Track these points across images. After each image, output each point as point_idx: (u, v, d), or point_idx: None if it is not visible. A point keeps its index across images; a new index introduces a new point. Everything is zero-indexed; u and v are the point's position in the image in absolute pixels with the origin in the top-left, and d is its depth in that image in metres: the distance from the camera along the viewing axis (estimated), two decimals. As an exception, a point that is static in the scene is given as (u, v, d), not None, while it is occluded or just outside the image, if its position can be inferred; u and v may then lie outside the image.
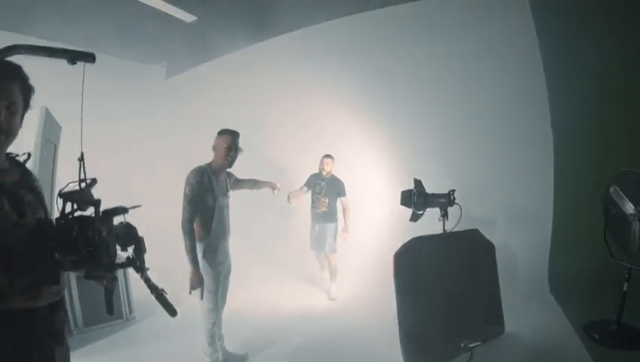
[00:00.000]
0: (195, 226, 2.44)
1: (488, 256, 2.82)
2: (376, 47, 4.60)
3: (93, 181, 1.14)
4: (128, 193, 5.31)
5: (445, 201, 2.54)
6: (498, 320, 2.90)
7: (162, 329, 3.32)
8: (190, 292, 2.38)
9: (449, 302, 2.50)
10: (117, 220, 1.23)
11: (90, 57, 1.27)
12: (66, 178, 1.24)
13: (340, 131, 4.94)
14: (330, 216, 4.31)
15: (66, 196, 1.08)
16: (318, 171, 4.35)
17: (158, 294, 1.27)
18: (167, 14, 4.48)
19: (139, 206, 1.25)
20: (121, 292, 3.37)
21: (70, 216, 1.06)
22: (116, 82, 5.48)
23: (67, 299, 3.11)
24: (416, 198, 2.61)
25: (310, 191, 4.38)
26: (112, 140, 5.34)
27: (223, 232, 2.58)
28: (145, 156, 5.74)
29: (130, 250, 1.26)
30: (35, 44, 1.35)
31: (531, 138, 3.89)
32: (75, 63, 1.29)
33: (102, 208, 1.15)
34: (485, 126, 4.03)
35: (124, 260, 1.23)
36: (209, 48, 5.42)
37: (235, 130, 2.68)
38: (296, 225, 4.87)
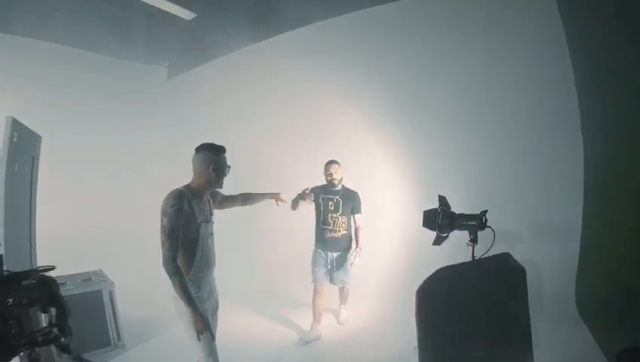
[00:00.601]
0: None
1: (519, 282, 2.48)
2: (386, 45, 4.29)
3: None
4: (130, 197, 5.31)
5: (476, 224, 2.20)
6: (527, 351, 2.58)
7: (153, 356, 3.10)
8: (199, 339, 2.00)
9: (476, 336, 2.17)
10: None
11: None
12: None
13: (349, 135, 4.63)
14: (349, 240, 3.56)
15: None
16: (325, 183, 3.57)
17: None
18: (166, 14, 4.27)
19: (51, 268, 1.04)
20: (108, 317, 3.05)
21: None
22: (117, 83, 5.45)
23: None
24: (441, 219, 2.27)
25: (317, 209, 3.58)
26: (113, 143, 5.27)
27: (207, 265, 2.19)
28: (146, 159, 5.56)
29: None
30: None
31: (559, 145, 3.57)
32: None
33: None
34: (508, 131, 3.71)
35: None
36: (210, 47, 5.22)
37: (220, 145, 2.24)
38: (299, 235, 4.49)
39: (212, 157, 2.15)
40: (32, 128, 3.16)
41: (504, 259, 2.42)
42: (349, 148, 4.48)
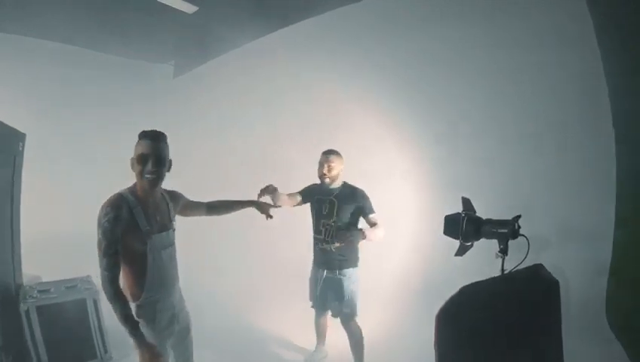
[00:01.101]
0: (123, 280, 1.72)
1: (553, 298, 2.17)
2: (405, 33, 3.96)
3: None
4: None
5: (507, 232, 1.88)
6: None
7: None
8: None
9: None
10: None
11: None
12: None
13: (362, 131, 4.34)
14: (349, 255, 2.75)
15: None
16: (320, 181, 2.85)
17: None
18: (168, 10, 4.12)
19: None
20: (92, 327, 2.80)
21: None
22: (122, 83, 5.44)
23: (30, 342, 2.63)
24: (465, 225, 1.96)
25: (311, 213, 2.89)
26: (120, 143, 5.11)
27: (164, 285, 1.80)
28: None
29: None
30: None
31: (589, 140, 3.24)
32: None
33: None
34: (533, 127, 3.39)
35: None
36: (216, 42, 5.07)
37: (160, 130, 1.83)
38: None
39: (141, 146, 1.75)
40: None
41: (537, 271, 2.11)
42: (361, 145, 4.21)
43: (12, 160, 2.83)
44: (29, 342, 2.64)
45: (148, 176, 1.74)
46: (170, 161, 1.86)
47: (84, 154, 5.00)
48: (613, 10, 3.03)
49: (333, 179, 2.79)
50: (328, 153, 2.83)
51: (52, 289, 2.81)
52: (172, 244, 1.87)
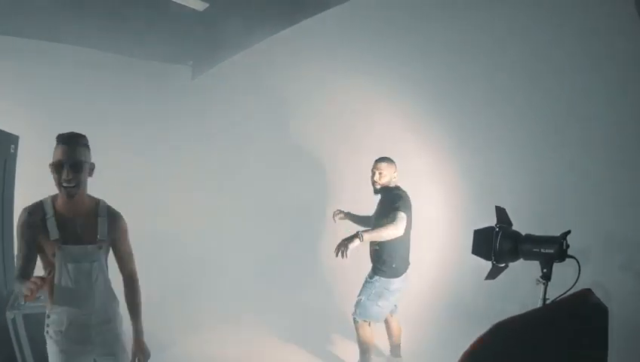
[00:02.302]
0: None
1: (601, 327, 1.77)
2: (429, 29, 3.62)
3: None
4: (153, 196, 5.13)
5: (554, 253, 1.51)
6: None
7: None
8: None
9: None
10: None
11: None
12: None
13: (389, 132, 4.05)
14: (376, 262, 2.76)
15: None
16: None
17: None
18: (177, 7, 4.06)
19: None
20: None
21: None
22: (140, 84, 5.46)
23: (17, 351, 2.48)
24: (500, 242, 1.61)
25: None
26: (138, 143, 5.26)
27: (74, 300, 1.68)
28: (172, 160, 5.61)
29: None
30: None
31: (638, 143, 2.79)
32: None
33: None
34: (573, 130, 2.97)
35: None
36: (231, 40, 4.94)
37: (77, 132, 1.69)
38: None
39: (57, 151, 1.65)
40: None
41: (585, 299, 1.72)
42: (380, 147, 3.88)
43: (3, 163, 2.72)
44: (17, 352, 2.48)
45: (65, 184, 1.61)
46: (93, 164, 1.73)
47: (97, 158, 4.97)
48: None
49: (381, 185, 2.80)
50: (378, 160, 2.83)
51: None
52: (92, 261, 1.70)
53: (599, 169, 2.90)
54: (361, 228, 2.64)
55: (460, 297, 3.36)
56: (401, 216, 2.51)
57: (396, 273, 2.70)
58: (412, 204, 2.74)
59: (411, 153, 3.80)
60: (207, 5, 4.12)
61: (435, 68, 3.66)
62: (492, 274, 1.67)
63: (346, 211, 3.05)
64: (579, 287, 1.41)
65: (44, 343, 2.49)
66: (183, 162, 5.61)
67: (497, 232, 1.62)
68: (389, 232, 2.47)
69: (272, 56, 4.89)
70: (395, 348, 2.95)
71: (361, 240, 2.35)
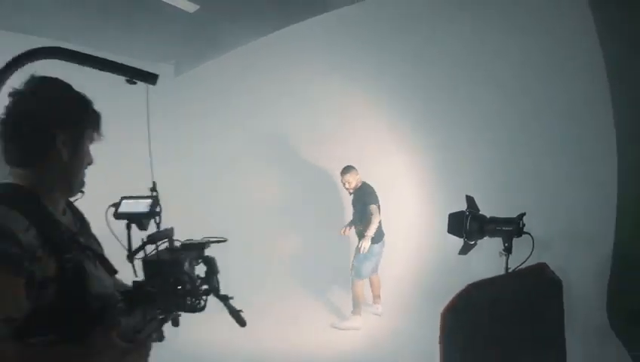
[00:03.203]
0: None
1: (556, 297, 2.16)
2: (408, 38, 3.96)
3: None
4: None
5: (512, 230, 1.88)
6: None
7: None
8: None
9: (509, 360, 1.87)
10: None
11: (152, 78, 1.18)
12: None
13: (367, 133, 4.38)
14: (360, 235, 3.66)
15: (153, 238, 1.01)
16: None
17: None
18: (169, 9, 4.08)
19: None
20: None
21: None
22: (120, 82, 5.16)
23: None
24: (469, 224, 1.95)
25: None
26: (121, 143, 5.02)
27: None
28: (155, 160, 5.33)
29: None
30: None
31: (590, 140, 3.25)
32: (134, 83, 1.20)
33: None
34: (532, 128, 3.42)
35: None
36: (217, 42, 4.98)
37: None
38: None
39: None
40: None
41: (541, 270, 2.11)
42: (367, 146, 4.27)
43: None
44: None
45: None
46: None
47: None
48: (616, 10, 3.04)
49: (353, 189, 3.70)
50: (342, 173, 3.71)
51: None
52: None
53: (554, 168, 3.37)
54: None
55: (434, 275, 3.79)
56: (374, 208, 3.55)
57: (375, 240, 3.57)
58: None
59: (390, 151, 4.15)
60: (197, 7, 4.16)
61: (409, 75, 3.99)
62: (464, 250, 2.01)
63: (347, 225, 3.92)
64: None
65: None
66: (163, 160, 5.62)
67: (467, 216, 1.96)
68: (376, 224, 3.51)
69: (255, 58, 5.01)
70: (376, 297, 3.86)
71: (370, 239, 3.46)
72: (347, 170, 3.68)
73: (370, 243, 3.44)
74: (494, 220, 1.95)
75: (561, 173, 3.36)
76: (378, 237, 3.59)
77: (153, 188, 1.10)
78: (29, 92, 0.92)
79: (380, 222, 3.58)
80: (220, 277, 1.14)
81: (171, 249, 1.08)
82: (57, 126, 0.92)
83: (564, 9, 3.27)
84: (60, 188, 0.96)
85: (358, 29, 4.27)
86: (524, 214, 1.91)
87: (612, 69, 3.17)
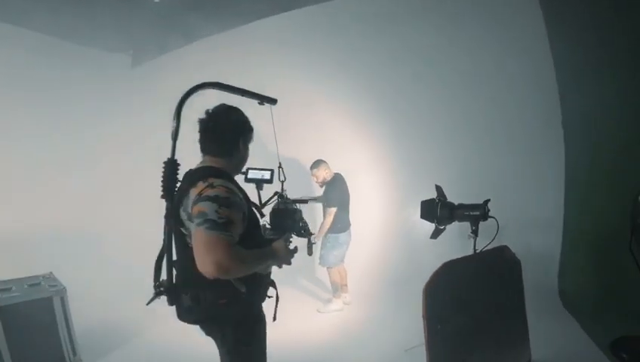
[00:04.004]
0: None
1: (516, 275, 2.39)
2: (375, 36, 4.10)
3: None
4: (85, 195, 4.75)
5: (479, 215, 2.05)
6: (525, 344, 2.49)
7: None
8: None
9: (480, 331, 2.07)
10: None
11: (273, 102, 1.79)
12: None
13: (336, 125, 4.44)
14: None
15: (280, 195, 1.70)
16: None
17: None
18: None
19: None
20: (60, 328, 2.65)
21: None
22: (76, 72, 4.89)
23: None
24: (440, 210, 2.10)
25: None
26: (76, 136, 4.77)
27: None
28: (102, 153, 5.04)
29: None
30: None
31: (541, 136, 3.57)
32: (263, 104, 1.77)
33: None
34: (491, 124, 3.68)
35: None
36: (179, 33, 4.80)
37: None
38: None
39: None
40: None
41: (503, 251, 2.31)
42: (338, 137, 4.35)
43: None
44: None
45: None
46: None
47: (38, 147, 4.60)
48: (564, 20, 3.34)
49: (322, 183, 3.66)
50: (311, 167, 3.68)
51: (13, 288, 2.62)
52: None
53: (510, 163, 3.66)
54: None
55: (400, 254, 4.02)
56: (331, 211, 3.56)
57: (341, 229, 3.63)
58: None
59: (358, 146, 4.30)
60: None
61: (375, 72, 4.14)
62: (435, 234, 2.16)
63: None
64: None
65: (22, 336, 2.53)
66: (115, 154, 5.21)
67: (437, 203, 2.11)
68: (326, 226, 3.57)
69: (219, 51, 4.89)
70: (344, 286, 3.89)
71: (314, 241, 3.02)
72: (315, 164, 3.67)
73: (319, 239, 3.58)
74: (462, 206, 2.11)
75: (516, 165, 3.64)
76: (344, 226, 3.64)
77: (279, 166, 1.80)
78: (222, 113, 1.54)
79: (346, 215, 3.65)
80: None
81: (286, 201, 1.65)
82: (240, 134, 1.55)
83: (517, 9, 3.53)
84: (236, 170, 1.58)
85: (326, 26, 4.34)
86: (489, 200, 2.08)
87: (559, 64, 3.46)
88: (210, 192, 1.31)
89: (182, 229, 1.41)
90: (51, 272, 2.98)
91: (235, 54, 4.70)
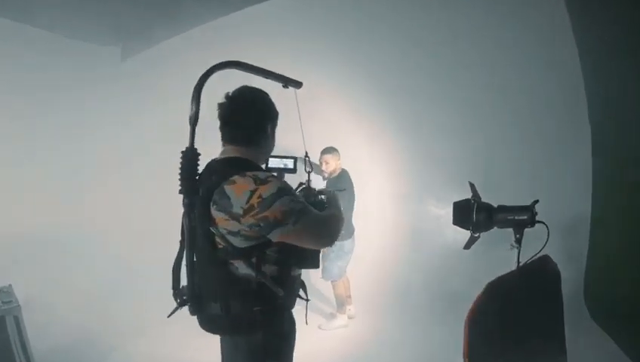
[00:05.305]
0: None
1: (556, 288, 2.04)
2: (381, 27, 3.76)
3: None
4: (80, 189, 4.46)
5: (527, 219, 1.67)
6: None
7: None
8: None
9: (521, 352, 1.72)
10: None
11: (298, 85, 1.64)
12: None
13: (338, 123, 4.09)
14: None
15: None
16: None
17: None
18: None
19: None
20: (14, 348, 2.25)
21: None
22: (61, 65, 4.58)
23: None
24: (476, 214, 1.71)
25: None
26: (61, 132, 4.50)
27: None
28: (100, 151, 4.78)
29: None
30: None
31: (566, 135, 3.29)
32: (287, 87, 1.61)
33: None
34: (515, 121, 3.39)
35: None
36: (173, 21, 4.47)
37: None
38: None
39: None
40: None
41: (546, 262, 1.95)
42: (333, 135, 3.92)
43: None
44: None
45: None
46: None
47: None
48: (591, 11, 3.03)
49: (331, 174, 3.31)
50: (323, 152, 3.33)
51: (13, 300, 2.30)
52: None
53: (533, 165, 3.40)
54: None
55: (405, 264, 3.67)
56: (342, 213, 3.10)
57: (346, 236, 3.24)
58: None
59: (362, 142, 3.94)
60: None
61: (385, 64, 3.83)
62: (469, 244, 1.78)
63: None
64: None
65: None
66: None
67: (473, 204, 1.72)
68: None
69: (216, 39, 4.60)
70: (348, 298, 3.56)
71: None
72: (329, 150, 3.32)
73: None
74: (504, 209, 1.73)
75: (537, 163, 3.36)
76: (349, 232, 3.28)
77: (306, 155, 1.62)
78: (247, 96, 1.34)
79: (349, 220, 3.28)
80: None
81: (313, 193, 1.50)
82: (268, 119, 1.38)
83: (542, 7, 3.24)
84: (263, 161, 1.42)
85: (329, 12, 4.00)
86: (537, 201, 1.71)
87: (584, 56, 3.17)
88: (268, 190, 1.19)
89: (211, 229, 1.22)
90: (10, 285, 2.55)
91: (234, 41, 4.33)
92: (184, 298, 1.29)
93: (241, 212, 1.18)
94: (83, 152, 4.70)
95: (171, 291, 1.33)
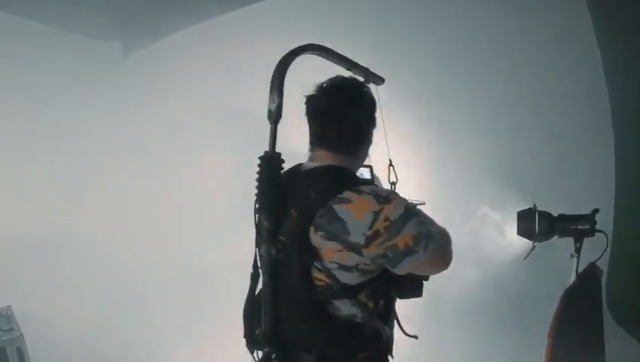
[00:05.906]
0: None
1: (601, 297, 2.08)
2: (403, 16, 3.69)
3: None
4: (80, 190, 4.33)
5: (588, 229, 1.65)
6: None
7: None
8: None
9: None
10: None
11: (380, 80, 1.28)
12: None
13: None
14: None
15: None
16: None
17: None
18: None
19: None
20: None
21: None
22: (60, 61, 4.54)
23: None
24: (538, 223, 1.69)
25: None
26: (61, 131, 4.45)
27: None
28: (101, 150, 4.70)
29: None
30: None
31: (589, 138, 3.30)
32: (368, 82, 1.23)
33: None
34: (536, 121, 3.42)
35: None
36: (172, 18, 4.44)
37: None
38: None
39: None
40: None
41: (593, 271, 1.96)
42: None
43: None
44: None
45: None
46: None
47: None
48: (612, 9, 3.03)
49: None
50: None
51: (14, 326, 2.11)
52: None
53: (553, 163, 3.40)
54: None
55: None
56: None
57: None
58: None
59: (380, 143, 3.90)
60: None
61: (401, 62, 3.73)
62: (529, 254, 1.75)
63: None
64: None
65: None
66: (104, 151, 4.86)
67: (535, 213, 1.70)
68: None
69: (222, 35, 4.51)
70: None
71: None
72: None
73: None
74: (564, 217, 1.71)
75: (558, 166, 3.37)
76: None
77: (390, 164, 1.28)
78: (347, 89, 1.05)
79: None
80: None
81: None
82: (372, 119, 1.08)
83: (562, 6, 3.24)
84: (357, 169, 1.11)
85: (338, 7, 3.96)
86: (597, 210, 1.69)
87: (607, 57, 3.19)
88: (395, 209, 0.91)
89: (316, 264, 0.93)
90: (10, 306, 2.37)
91: (240, 37, 4.34)
92: (266, 350, 0.96)
93: (362, 241, 0.90)
94: (83, 152, 4.68)
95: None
